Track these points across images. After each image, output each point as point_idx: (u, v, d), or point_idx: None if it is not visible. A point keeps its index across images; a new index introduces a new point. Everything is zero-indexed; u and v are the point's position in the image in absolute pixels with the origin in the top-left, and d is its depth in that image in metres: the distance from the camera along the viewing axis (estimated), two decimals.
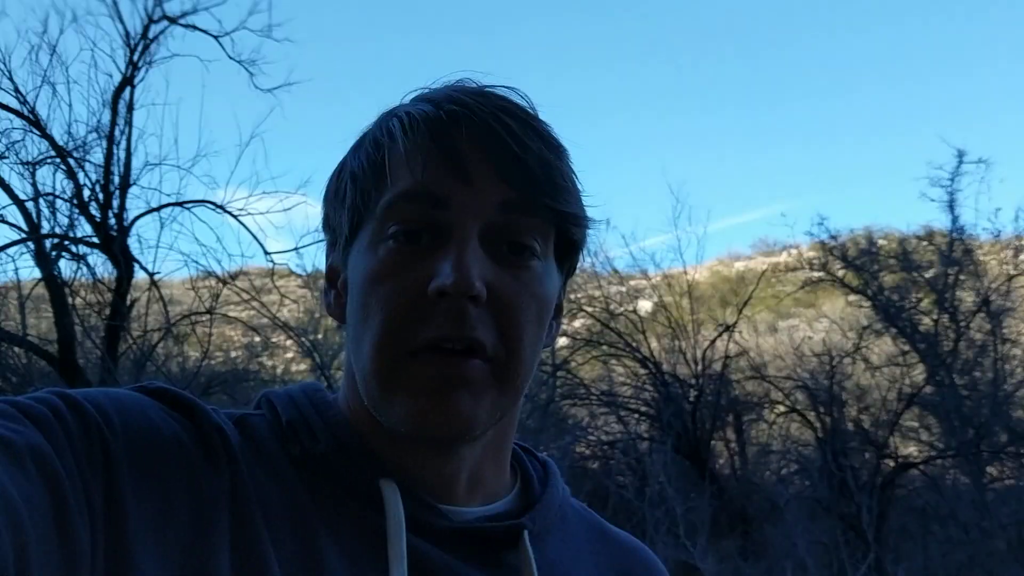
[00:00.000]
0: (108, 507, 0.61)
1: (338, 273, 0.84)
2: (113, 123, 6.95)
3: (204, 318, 7.42)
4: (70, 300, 6.88)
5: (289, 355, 12.36)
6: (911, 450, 9.94)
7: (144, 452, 0.66)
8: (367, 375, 0.75)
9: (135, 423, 0.68)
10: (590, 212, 0.83)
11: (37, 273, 6.89)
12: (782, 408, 10.08)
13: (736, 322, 9.86)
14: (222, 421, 0.75)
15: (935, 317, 9.74)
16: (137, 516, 0.62)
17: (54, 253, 6.89)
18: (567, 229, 0.80)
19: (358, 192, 0.78)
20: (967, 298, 9.93)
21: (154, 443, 0.67)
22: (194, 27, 7.22)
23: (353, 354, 0.78)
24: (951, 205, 9.68)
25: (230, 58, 7.47)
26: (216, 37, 7.34)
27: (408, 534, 0.73)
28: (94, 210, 6.93)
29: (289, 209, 7.54)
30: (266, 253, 7.48)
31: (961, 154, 9.59)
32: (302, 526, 0.71)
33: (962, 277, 9.85)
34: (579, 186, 0.82)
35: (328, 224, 0.85)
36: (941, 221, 10.34)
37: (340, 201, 0.81)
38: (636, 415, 10.34)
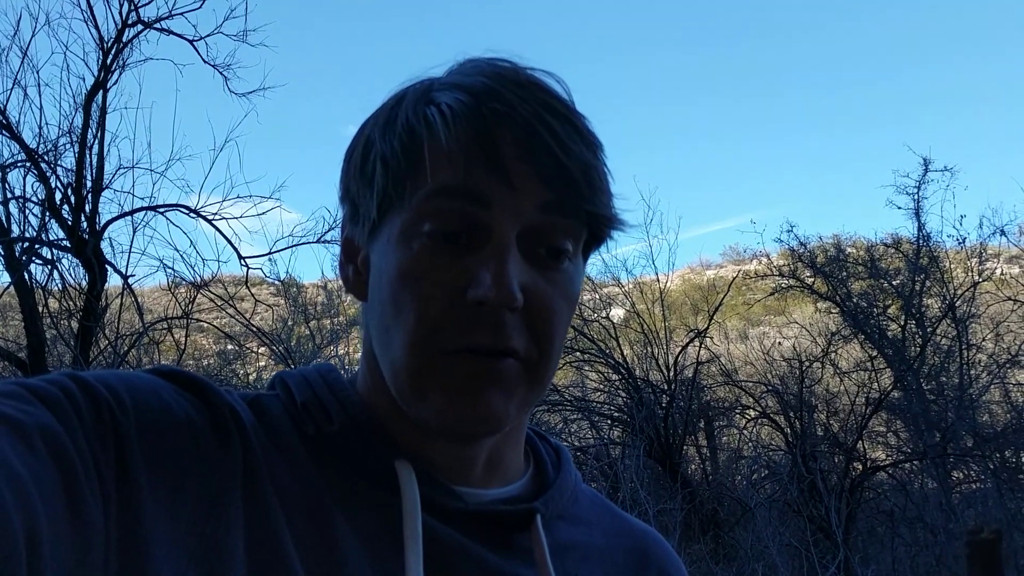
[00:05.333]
0: (120, 487, 0.61)
1: (358, 249, 0.83)
2: (86, 126, 6.87)
3: (180, 322, 7.37)
4: (41, 305, 6.81)
5: (262, 363, 12.29)
6: (879, 454, 10.07)
7: (156, 432, 0.66)
8: (398, 370, 0.74)
9: (147, 404, 0.68)
10: (619, 209, 0.83)
11: (6, 278, 6.83)
12: (752, 413, 10.18)
13: (707, 328, 9.95)
14: (235, 402, 0.75)
15: (902, 323, 9.90)
16: (150, 496, 0.62)
17: (24, 257, 6.82)
18: (599, 229, 0.79)
19: (390, 177, 0.75)
20: (933, 305, 10.13)
21: (166, 423, 0.67)
22: (169, 31, 7.18)
23: (381, 345, 0.77)
24: (917, 212, 9.89)
25: (205, 62, 7.44)
26: (191, 41, 7.30)
27: (423, 514, 0.73)
28: (66, 214, 6.87)
29: (263, 214, 7.51)
30: (241, 258, 7.44)
31: (927, 162, 9.82)
32: (316, 506, 0.71)
33: (928, 284, 10.03)
34: (612, 183, 0.80)
35: (348, 196, 0.82)
36: (908, 229, 10.55)
37: (367, 180, 0.78)
38: (609, 421, 10.39)
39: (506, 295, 0.70)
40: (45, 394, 0.62)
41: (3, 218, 6.70)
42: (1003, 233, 9.97)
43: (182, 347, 7.28)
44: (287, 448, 0.75)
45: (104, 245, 6.99)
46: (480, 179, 0.72)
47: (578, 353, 10.44)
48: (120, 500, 0.61)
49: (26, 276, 6.74)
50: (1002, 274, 10.68)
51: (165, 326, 7.41)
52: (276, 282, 9.28)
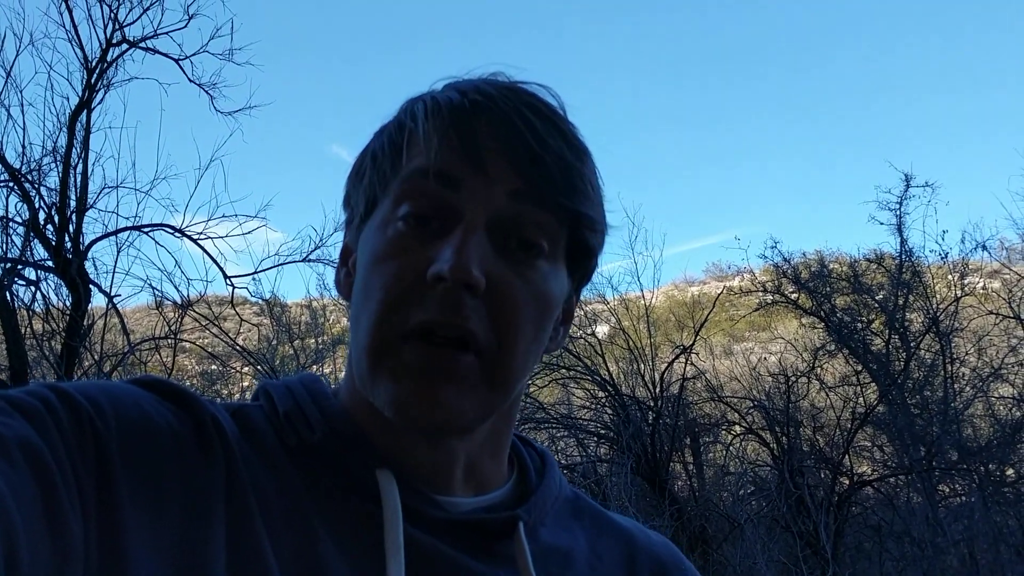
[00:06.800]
0: (101, 499, 0.60)
1: (351, 252, 0.84)
2: (70, 146, 6.82)
3: (165, 342, 7.32)
4: (24, 326, 6.74)
5: (246, 383, 12.21)
6: (865, 468, 10.10)
7: (137, 443, 0.65)
8: (360, 352, 0.75)
9: (128, 414, 0.67)
10: (609, 219, 0.83)
11: None
12: (739, 429, 10.19)
13: (692, 344, 9.97)
14: (218, 412, 0.74)
15: (886, 338, 9.96)
16: (131, 507, 0.62)
17: (7, 278, 6.75)
18: (580, 232, 0.79)
19: (376, 171, 0.79)
20: (916, 319, 10.19)
21: (148, 434, 0.67)
22: (154, 50, 7.16)
23: (352, 332, 0.78)
24: (899, 228, 9.97)
25: (190, 81, 7.43)
26: (176, 60, 7.29)
27: (404, 524, 0.73)
28: (50, 234, 6.81)
29: (249, 233, 7.47)
30: (226, 277, 7.41)
31: (908, 178, 9.90)
32: (299, 516, 0.71)
33: (911, 299, 10.10)
34: (600, 192, 0.81)
35: (347, 203, 0.85)
36: (890, 244, 10.64)
37: (359, 180, 0.82)
38: (595, 438, 10.37)
39: (463, 270, 0.69)
40: (24, 405, 0.61)
41: None
42: (985, 248, 10.06)
43: (168, 367, 7.22)
44: (269, 458, 0.74)
45: (88, 265, 6.94)
46: (451, 161, 0.74)
47: (564, 370, 10.44)
48: (101, 511, 0.60)
49: (8, 297, 6.68)
50: (984, 288, 10.77)
51: (151, 346, 7.35)
52: (260, 301, 9.23)
